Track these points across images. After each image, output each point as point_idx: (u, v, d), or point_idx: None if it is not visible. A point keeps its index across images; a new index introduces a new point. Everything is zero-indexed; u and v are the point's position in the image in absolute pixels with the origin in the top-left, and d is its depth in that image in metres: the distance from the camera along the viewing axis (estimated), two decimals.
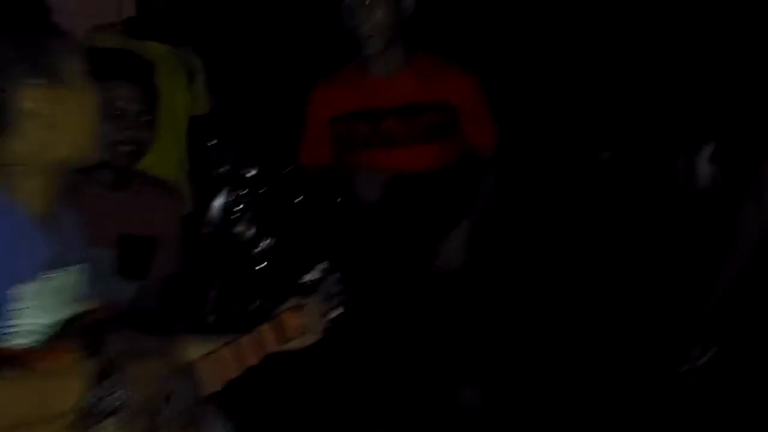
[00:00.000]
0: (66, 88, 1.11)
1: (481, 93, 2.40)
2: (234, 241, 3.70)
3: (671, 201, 3.66)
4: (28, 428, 0.94)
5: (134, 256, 1.85)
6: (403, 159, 2.28)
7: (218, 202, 3.71)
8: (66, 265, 1.13)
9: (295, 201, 3.75)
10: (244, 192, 3.81)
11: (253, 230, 3.74)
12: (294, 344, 1.39)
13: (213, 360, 1.22)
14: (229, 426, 1.42)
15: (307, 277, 1.52)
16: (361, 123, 2.33)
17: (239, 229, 3.75)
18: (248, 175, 3.87)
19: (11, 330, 1.02)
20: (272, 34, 4.11)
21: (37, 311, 1.05)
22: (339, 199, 2.40)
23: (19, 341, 1.03)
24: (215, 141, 3.79)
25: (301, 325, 1.38)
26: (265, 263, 3.61)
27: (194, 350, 1.22)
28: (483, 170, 2.42)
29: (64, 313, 1.08)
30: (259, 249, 3.68)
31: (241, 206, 3.80)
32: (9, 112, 1.08)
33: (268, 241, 3.63)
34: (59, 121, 1.10)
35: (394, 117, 2.31)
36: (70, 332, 1.02)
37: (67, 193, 1.19)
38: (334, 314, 1.46)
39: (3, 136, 1.08)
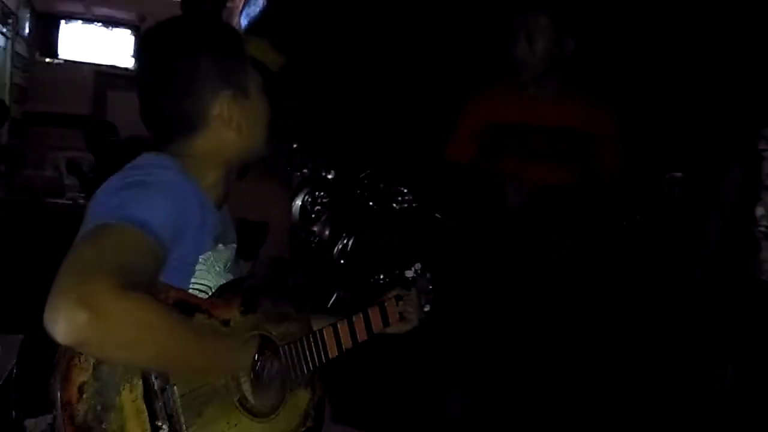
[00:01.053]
0: (249, 99, 1.34)
1: (619, 128, 2.68)
2: (312, 238, 3.92)
3: None
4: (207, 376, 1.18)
5: (249, 240, 2.10)
6: (543, 172, 2.56)
7: (298, 201, 3.94)
8: (228, 242, 1.36)
9: (369, 204, 3.96)
10: (323, 193, 4.03)
11: (329, 229, 3.96)
12: (393, 329, 1.62)
13: (333, 331, 1.45)
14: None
15: (407, 273, 1.74)
16: (512, 135, 2.61)
17: (317, 228, 3.98)
18: (328, 177, 4.09)
19: (191, 287, 1.25)
20: (364, 40, 4.33)
21: (209, 274, 1.28)
22: (440, 216, 2.66)
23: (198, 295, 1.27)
24: (296, 145, 4.02)
25: (401, 312, 1.61)
26: (342, 260, 3.79)
27: (316, 322, 1.45)
28: (604, 191, 2.70)
29: (225, 278, 1.31)
30: (336, 247, 3.87)
31: (319, 207, 4.02)
32: (203, 115, 1.32)
33: (345, 240, 3.83)
34: (242, 126, 1.34)
35: (543, 135, 2.59)
36: (230, 293, 1.26)
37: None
38: (427, 309, 1.69)
39: (195, 135, 1.32)
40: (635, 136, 3.71)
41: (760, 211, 2.05)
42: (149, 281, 1.11)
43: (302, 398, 1.35)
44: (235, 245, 1.41)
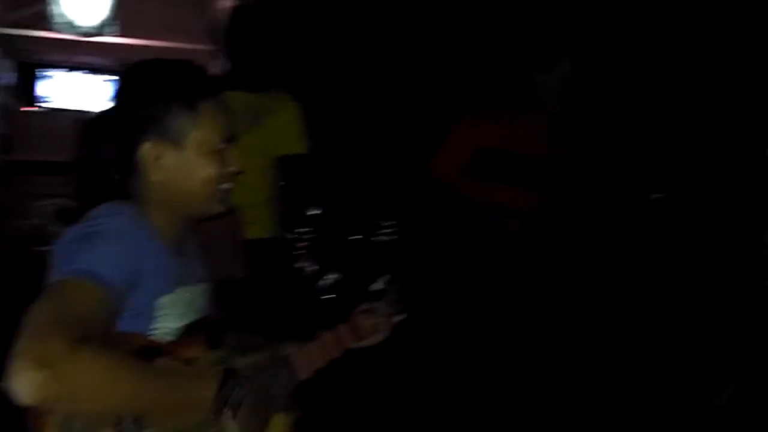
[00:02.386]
0: (181, 151, 1.34)
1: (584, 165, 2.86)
2: (298, 275, 3.90)
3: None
4: (172, 414, 1.17)
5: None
6: (526, 199, 2.61)
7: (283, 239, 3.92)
8: (191, 283, 1.37)
9: (352, 239, 3.95)
10: (306, 229, 4.02)
11: (314, 265, 3.95)
12: (366, 341, 1.64)
13: (304, 353, 1.45)
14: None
15: (374, 286, 1.76)
16: (506, 161, 2.65)
17: (302, 264, 3.96)
18: (310, 213, 4.09)
19: (154, 331, 1.26)
20: (340, 72, 4.37)
21: (171, 318, 1.29)
22: (423, 246, 2.68)
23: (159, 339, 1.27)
24: (283, 183, 4.02)
25: (372, 324, 1.63)
26: (329, 296, 3.78)
27: (287, 346, 1.45)
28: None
29: (189, 319, 1.31)
30: (321, 283, 3.86)
31: (303, 243, 4.01)
32: (134, 159, 1.33)
33: (330, 276, 3.82)
34: (171, 176, 1.34)
35: (533, 165, 2.64)
36: (194, 332, 1.26)
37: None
38: (399, 318, 1.71)
39: (134, 178, 1.34)
40: (619, 159, 3.76)
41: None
42: (105, 332, 1.12)
43: (282, 423, 1.36)
44: (203, 285, 1.42)
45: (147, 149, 1.34)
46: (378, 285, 1.73)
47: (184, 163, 1.36)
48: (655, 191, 4.03)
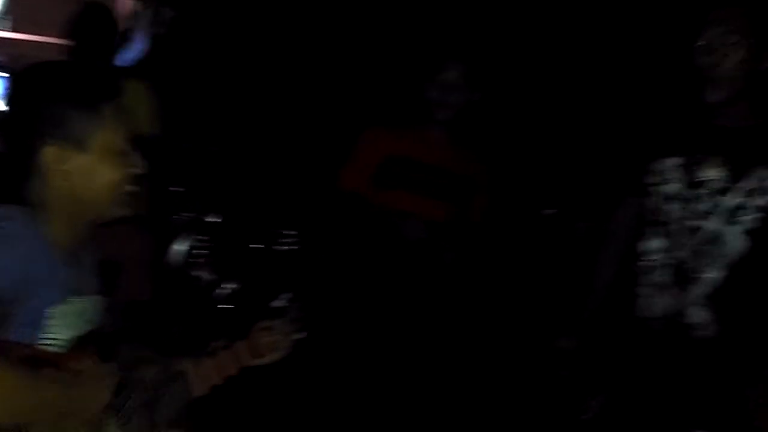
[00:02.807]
0: (84, 153, 1.31)
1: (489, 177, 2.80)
2: (196, 284, 3.83)
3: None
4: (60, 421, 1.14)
5: (101, 279, 2.03)
6: (431, 208, 2.64)
7: (181, 246, 3.85)
8: (85, 293, 1.33)
9: (253, 247, 3.92)
10: (206, 238, 3.95)
11: (213, 275, 3.88)
12: (264, 359, 1.63)
13: (199, 369, 1.43)
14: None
15: (275, 304, 1.75)
16: (409, 170, 2.67)
17: (200, 273, 3.89)
18: (210, 221, 4.03)
19: (44, 341, 1.22)
20: (248, 82, 4.33)
21: (63, 328, 1.25)
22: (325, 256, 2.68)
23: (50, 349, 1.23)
24: (180, 188, 3.94)
25: (271, 342, 1.62)
26: (227, 305, 3.73)
27: (182, 362, 1.43)
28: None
29: (82, 330, 1.28)
30: (219, 292, 3.81)
31: (203, 251, 3.94)
32: (34, 163, 1.29)
33: (229, 285, 3.77)
34: (74, 179, 1.30)
35: (435, 173, 2.67)
36: (86, 344, 1.23)
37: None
38: (298, 336, 1.71)
39: (35, 183, 1.29)
40: (511, 174, 3.88)
41: (646, 245, 2.14)
42: None
43: None
44: (97, 296, 1.38)
45: (49, 153, 1.29)
46: (279, 302, 1.72)
47: (87, 167, 1.32)
48: (548, 207, 4.17)
